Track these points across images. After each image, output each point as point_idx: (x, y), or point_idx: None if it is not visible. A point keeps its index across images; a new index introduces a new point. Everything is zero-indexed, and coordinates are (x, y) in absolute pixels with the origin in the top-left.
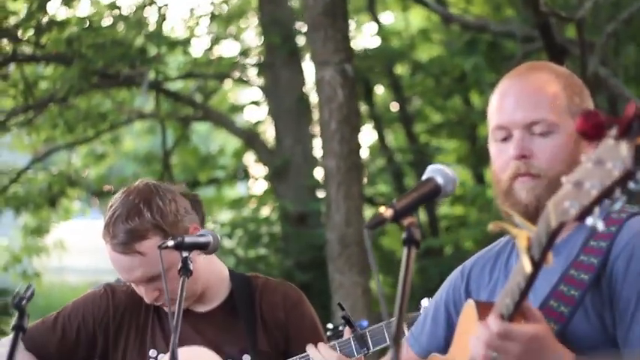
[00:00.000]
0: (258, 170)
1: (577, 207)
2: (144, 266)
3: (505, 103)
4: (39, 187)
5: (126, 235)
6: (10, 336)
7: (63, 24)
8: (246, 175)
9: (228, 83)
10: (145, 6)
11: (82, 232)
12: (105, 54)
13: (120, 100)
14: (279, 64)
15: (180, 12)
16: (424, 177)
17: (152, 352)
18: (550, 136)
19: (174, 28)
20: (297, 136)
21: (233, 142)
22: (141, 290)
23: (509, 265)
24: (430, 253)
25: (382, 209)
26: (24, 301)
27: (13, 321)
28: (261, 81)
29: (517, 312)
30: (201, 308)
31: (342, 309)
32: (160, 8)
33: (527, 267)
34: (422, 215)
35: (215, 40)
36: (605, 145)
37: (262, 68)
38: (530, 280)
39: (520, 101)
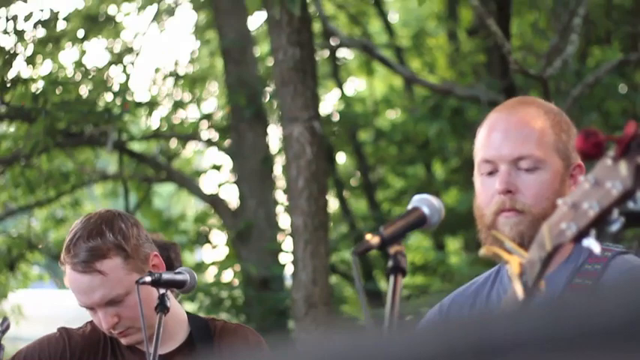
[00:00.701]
0: (218, 237)
1: (574, 228)
2: (104, 287)
3: (492, 136)
4: None
5: (87, 253)
6: None
7: (27, 81)
8: (207, 241)
9: (191, 146)
10: (110, 64)
11: (39, 302)
12: (70, 111)
13: (82, 161)
14: (243, 127)
15: (145, 73)
16: (409, 206)
17: None
18: (536, 172)
19: (137, 91)
20: (260, 199)
21: (195, 205)
22: (99, 316)
23: (490, 301)
24: None
25: (369, 236)
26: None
27: None
28: (225, 143)
29: None
30: (159, 350)
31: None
32: (125, 67)
33: (520, 293)
34: (383, 284)
35: (179, 103)
36: (604, 165)
37: (227, 130)
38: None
39: (508, 136)
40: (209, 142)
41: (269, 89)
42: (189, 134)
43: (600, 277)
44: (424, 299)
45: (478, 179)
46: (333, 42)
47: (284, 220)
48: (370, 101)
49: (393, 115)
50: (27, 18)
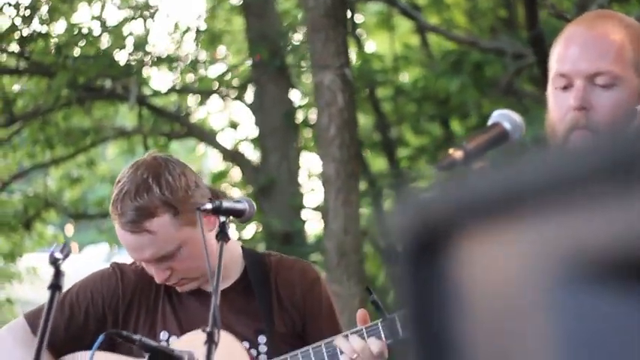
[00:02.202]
0: (237, 193)
1: None
2: (153, 245)
3: (569, 50)
4: (14, 210)
5: (134, 212)
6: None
7: (47, 35)
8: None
9: (212, 101)
10: (129, 20)
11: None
12: (92, 65)
13: (99, 118)
14: (265, 80)
15: (164, 28)
16: (490, 122)
17: (163, 335)
18: (613, 89)
19: (158, 45)
20: (283, 154)
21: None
22: (151, 270)
23: None
24: None
25: (452, 150)
26: (60, 259)
27: (50, 280)
28: (247, 98)
29: None
30: (212, 287)
31: (370, 293)
32: (145, 21)
33: None
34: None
35: (199, 60)
36: None
37: (246, 85)
38: None
39: (585, 50)
40: (230, 97)
41: (296, 40)
42: (210, 89)
43: None
44: None
45: (552, 93)
46: None
47: (305, 177)
48: (388, 59)
49: (411, 72)
50: None
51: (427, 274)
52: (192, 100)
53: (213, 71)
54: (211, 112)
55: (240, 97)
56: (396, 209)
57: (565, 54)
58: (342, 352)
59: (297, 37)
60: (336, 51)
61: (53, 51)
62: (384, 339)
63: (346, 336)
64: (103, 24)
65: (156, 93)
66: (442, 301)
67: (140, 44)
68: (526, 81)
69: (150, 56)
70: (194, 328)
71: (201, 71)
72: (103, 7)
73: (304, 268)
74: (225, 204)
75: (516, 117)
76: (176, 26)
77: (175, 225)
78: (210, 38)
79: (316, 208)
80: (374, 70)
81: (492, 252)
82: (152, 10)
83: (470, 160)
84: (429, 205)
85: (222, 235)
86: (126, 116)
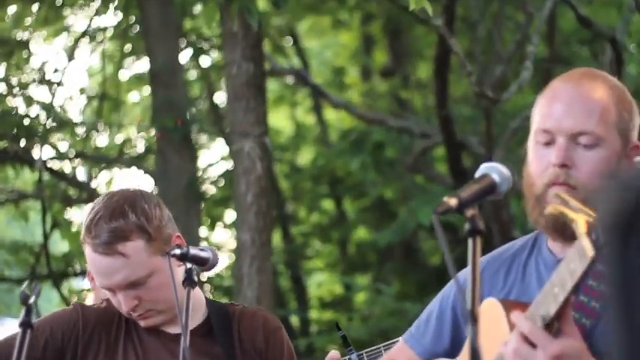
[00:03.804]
0: None
1: None
2: (125, 269)
3: (553, 107)
4: None
5: (109, 234)
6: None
7: None
8: None
9: (115, 168)
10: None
11: None
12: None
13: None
14: (169, 150)
15: (70, 92)
16: (478, 173)
17: None
18: (594, 149)
19: (63, 108)
20: (185, 224)
21: None
22: (119, 298)
23: (528, 271)
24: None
25: (447, 198)
26: (31, 298)
27: (20, 318)
28: (150, 166)
29: (566, 306)
30: (173, 329)
31: (339, 329)
32: (50, 86)
33: (589, 251)
34: (294, 319)
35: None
36: None
37: (148, 153)
38: (590, 264)
39: (570, 108)
40: (133, 164)
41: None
42: (112, 156)
43: None
44: (334, 335)
45: (533, 147)
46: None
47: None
48: (286, 135)
49: (308, 149)
50: None
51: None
52: (94, 166)
53: (117, 138)
54: (114, 180)
55: (142, 166)
56: (613, 190)
57: (549, 110)
58: None
59: (202, 108)
60: (256, 120)
61: None
62: None
63: None
64: (9, 85)
65: (60, 156)
66: None
67: (46, 108)
68: (433, 160)
69: (54, 120)
70: None
71: (104, 138)
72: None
73: (266, 316)
74: (192, 251)
75: (504, 169)
76: (81, 91)
77: (148, 251)
78: (114, 105)
79: (218, 276)
80: (273, 145)
81: None
82: (59, 74)
83: (463, 207)
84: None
85: (190, 282)
86: (22, 180)
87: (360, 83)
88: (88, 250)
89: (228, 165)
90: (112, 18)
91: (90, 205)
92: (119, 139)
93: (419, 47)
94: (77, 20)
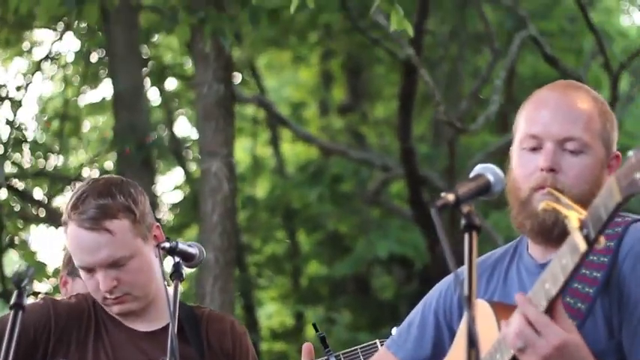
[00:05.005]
0: None
1: None
2: (110, 247)
3: (540, 113)
4: None
5: (96, 210)
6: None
7: None
8: None
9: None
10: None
11: None
12: None
13: None
14: (129, 174)
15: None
16: (474, 173)
17: None
18: (580, 156)
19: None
20: None
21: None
22: (97, 278)
23: (510, 277)
24: None
25: (445, 193)
26: (24, 280)
27: (12, 299)
28: None
29: (557, 299)
30: (143, 327)
31: (317, 330)
32: (12, 103)
33: (582, 245)
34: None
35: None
36: None
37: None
38: (582, 259)
39: (557, 114)
40: None
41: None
42: (72, 176)
43: (622, 239)
44: None
45: (518, 153)
46: None
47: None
48: (243, 167)
49: (265, 181)
50: None
51: None
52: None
53: (76, 159)
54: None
55: None
56: None
57: (536, 116)
58: None
59: (162, 135)
60: (224, 140)
61: None
62: None
63: None
64: None
65: (24, 174)
66: None
67: (8, 124)
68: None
69: (14, 138)
70: None
71: (61, 158)
72: None
73: (233, 321)
74: (181, 246)
75: (498, 171)
76: (42, 110)
77: (133, 232)
78: (74, 127)
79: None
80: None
81: None
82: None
83: (460, 203)
84: None
85: (177, 275)
86: None
87: (317, 119)
88: (72, 227)
89: (183, 193)
90: (74, 42)
91: (74, 189)
92: (79, 159)
93: (378, 86)
94: (39, 43)
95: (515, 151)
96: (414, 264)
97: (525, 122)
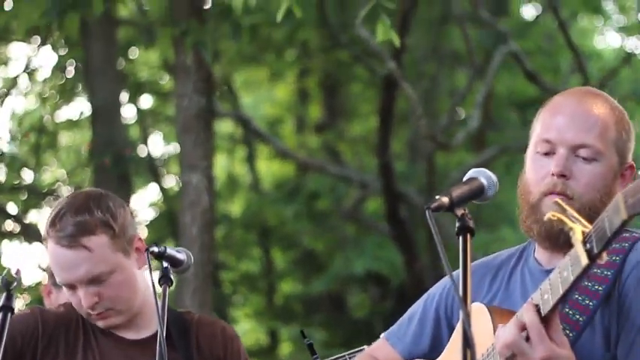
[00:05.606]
0: None
1: None
2: (88, 263)
3: (556, 118)
4: None
5: (74, 227)
6: None
7: None
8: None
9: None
10: None
11: None
12: None
13: None
14: (105, 187)
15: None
16: (467, 177)
17: None
18: (593, 163)
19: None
20: None
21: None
22: (79, 295)
23: (513, 279)
24: None
25: (439, 196)
26: (13, 283)
27: (1, 302)
28: None
29: (554, 311)
30: (131, 335)
31: (304, 336)
32: None
33: (584, 259)
34: None
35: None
36: None
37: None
38: (583, 272)
39: (573, 121)
40: None
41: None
42: (47, 190)
43: (627, 255)
44: None
45: (531, 157)
46: None
47: None
48: (218, 184)
49: (241, 199)
50: None
51: None
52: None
53: (52, 174)
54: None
55: None
56: None
57: (551, 122)
58: None
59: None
60: (204, 153)
61: None
62: None
63: None
64: None
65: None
66: None
67: None
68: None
69: None
70: None
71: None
72: None
73: (224, 325)
74: (169, 251)
75: (492, 175)
76: (19, 123)
77: (112, 247)
78: (50, 141)
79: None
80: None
81: None
82: None
83: (454, 206)
84: None
85: (165, 280)
86: None
87: (293, 136)
88: (51, 244)
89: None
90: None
91: (54, 204)
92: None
93: (355, 103)
94: (15, 57)
95: (529, 154)
96: (389, 282)
97: (541, 127)
